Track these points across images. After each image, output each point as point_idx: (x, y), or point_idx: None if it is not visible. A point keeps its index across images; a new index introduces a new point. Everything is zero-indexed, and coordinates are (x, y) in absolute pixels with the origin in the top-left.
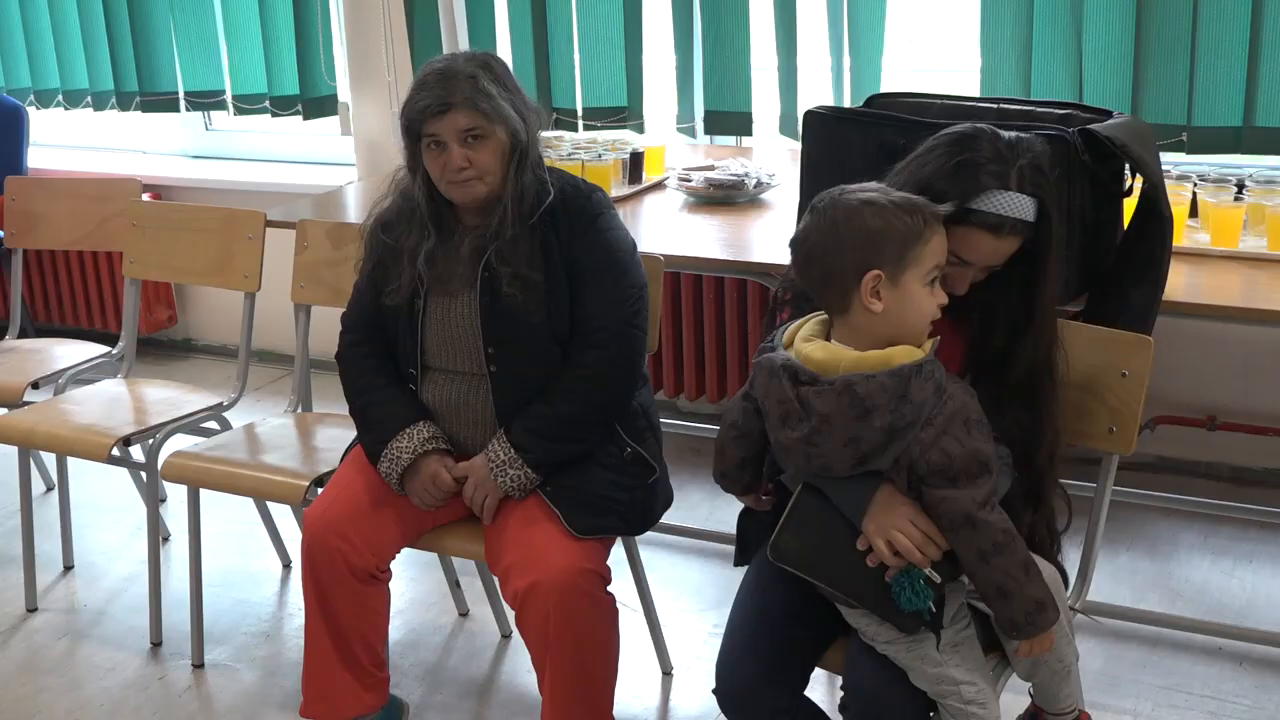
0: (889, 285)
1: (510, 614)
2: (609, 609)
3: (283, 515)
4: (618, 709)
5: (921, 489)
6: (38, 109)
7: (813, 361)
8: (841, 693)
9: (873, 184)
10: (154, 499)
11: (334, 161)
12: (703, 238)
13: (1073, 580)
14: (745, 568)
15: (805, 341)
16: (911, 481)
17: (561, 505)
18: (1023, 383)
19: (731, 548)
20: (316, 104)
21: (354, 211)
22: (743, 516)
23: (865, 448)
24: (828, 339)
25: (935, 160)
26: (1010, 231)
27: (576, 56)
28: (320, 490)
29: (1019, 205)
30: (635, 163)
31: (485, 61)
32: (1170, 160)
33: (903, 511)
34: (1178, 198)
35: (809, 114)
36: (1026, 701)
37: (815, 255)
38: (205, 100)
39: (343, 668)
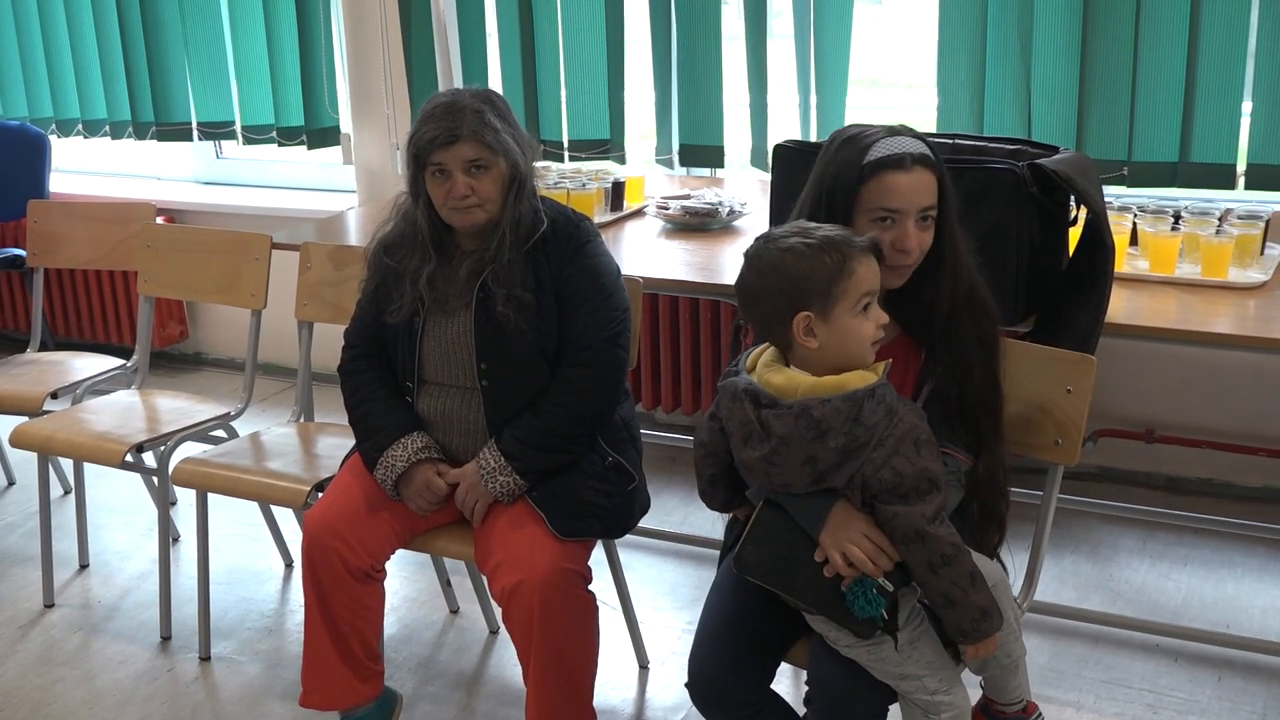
0: (820, 322)
1: (498, 611)
2: (589, 606)
3: (285, 518)
4: (597, 700)
5: (874, 505)
6: (59, 137)
7: (773, 386)
8: (806, 687)
9: (796, 225)
10: (165, 502)
11: (336, 188)
12: (679, 262)
13: (1021, 582)
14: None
15: (766, 368)
16: (865, 498)
17: (547, 509)
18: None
19: (705, 550)
20: (320, 135)
21: (354, 235)
22: (727, 532)
23: (821, 466)
24: (787, 364)
25: (825, 158)
26: (915, 165)
27: (563, 92)
28: (320, 495)
29: (908, 144)
30: (617, 191)
31: (488, 97)
32: (1112, 192)
33: (857, 526)
34: (1119, 227)
35: (778, 147)
36: (978, 693)
37: (752, 301)
38: (216, 130)
39: (340, 661)
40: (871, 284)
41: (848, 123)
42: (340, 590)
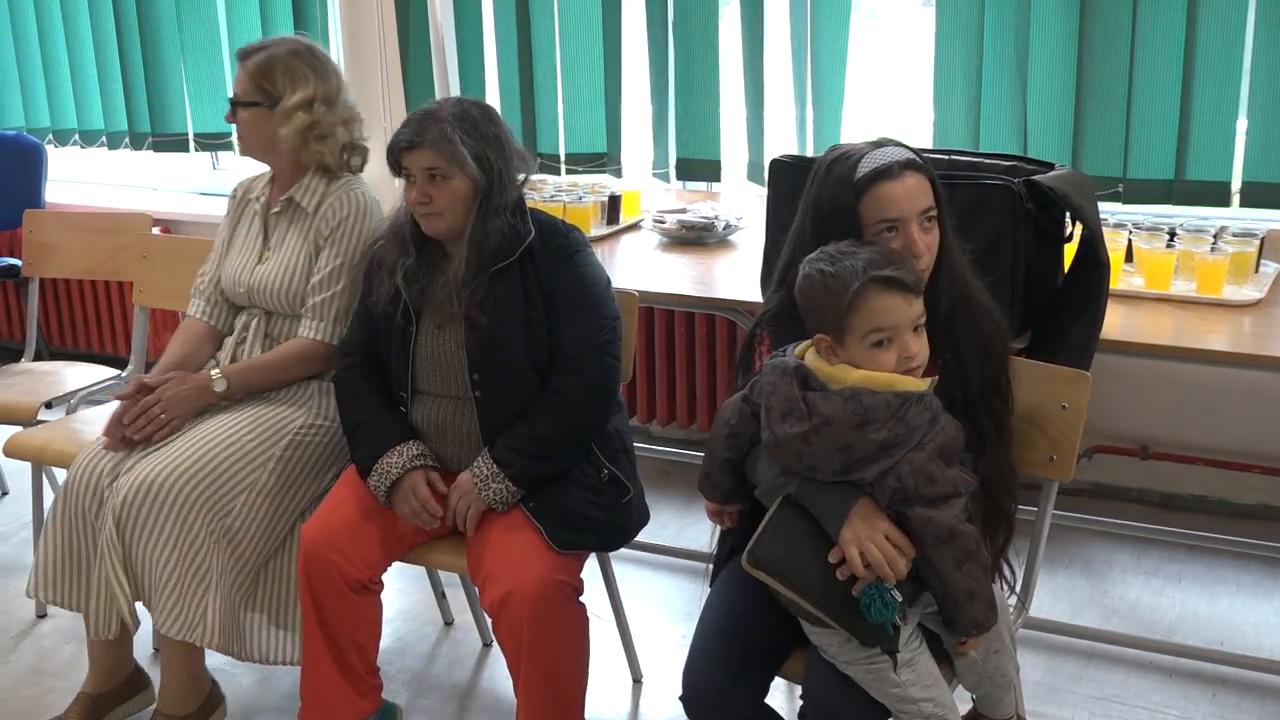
0: (838, 346)
1: (491, 622)
2: (580, 618)
3: None
4: (590, 713)
5: (903, 511)
6: (56, 147)
7: (823, 373)
8: (800, 701)
9: (835, 247)
10: None
11: None
12: (675, 275)
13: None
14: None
15: (816, 357)
16: (894, 500)
17: (544, 520)
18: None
19: (699, 564)
20: None
21: None
22: (721, 543)
23: (855, 456)
24: None
25: (815, 184)
26: (904, 170)
27: (560, 106)
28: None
29: (894, 152)
30: (613, 205)
31: (465, 109)
32: (1108, 209)
33: (879, 525)
34: (1114, 244)
35: (774, 162)
36: (967, 705)
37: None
38: (213, 141)
39: (339, 675)
40: (886, 320)
41: (843, 139)
42: (339, 603)
